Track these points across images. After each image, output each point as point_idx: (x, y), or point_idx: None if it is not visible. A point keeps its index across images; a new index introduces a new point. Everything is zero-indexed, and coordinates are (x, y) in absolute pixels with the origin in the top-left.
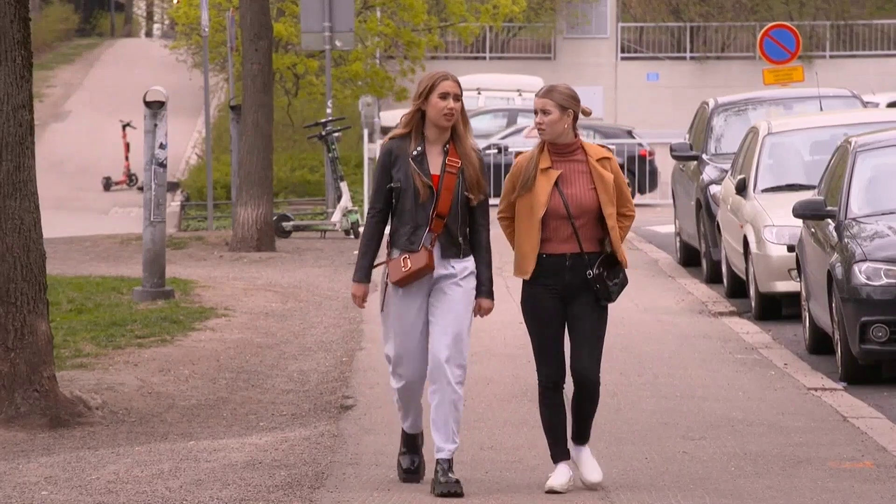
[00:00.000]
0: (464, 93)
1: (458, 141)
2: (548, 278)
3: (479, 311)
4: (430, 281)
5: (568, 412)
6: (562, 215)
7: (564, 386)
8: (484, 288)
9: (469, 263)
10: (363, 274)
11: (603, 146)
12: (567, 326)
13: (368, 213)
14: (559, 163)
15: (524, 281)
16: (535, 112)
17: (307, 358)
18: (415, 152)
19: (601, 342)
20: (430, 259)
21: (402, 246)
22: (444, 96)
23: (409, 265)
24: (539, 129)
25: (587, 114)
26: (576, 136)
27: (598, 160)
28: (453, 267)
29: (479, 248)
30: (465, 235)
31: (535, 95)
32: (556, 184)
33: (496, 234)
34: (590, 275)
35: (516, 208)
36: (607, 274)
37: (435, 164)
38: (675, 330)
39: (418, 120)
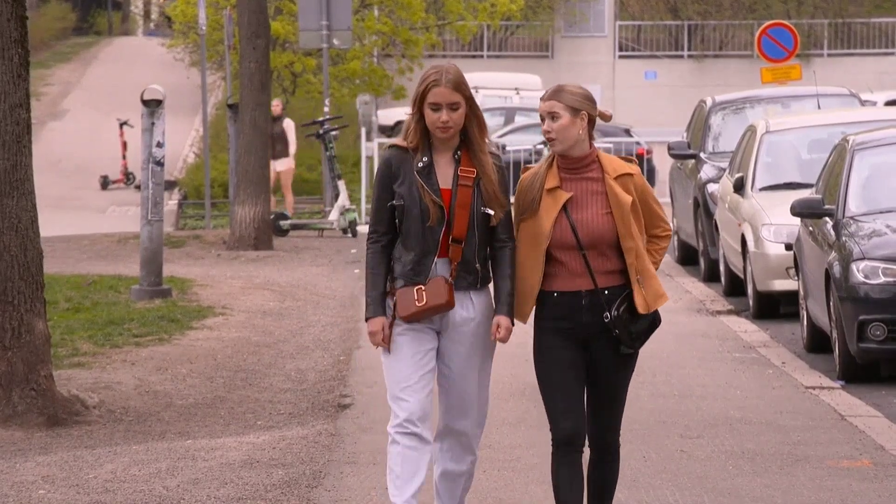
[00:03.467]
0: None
1: (471, 145)
2: (562, 321)
3: (498, 331)
4: (444, 317)
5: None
6: (570, 245)
7: (584, 449)
8: (504, 306)
9: (488, 298)
10: (377, 307)
11: (627, 157)
12: (587, 375)
13: (369, 239)
14: (570, 181)
15: (535, 326)
16: (542, 118)
17: (305, 357)
18: (420, 163)
19: (624, 399)
20: (451, 294)
21: (407, 277)
22: (435, 108)
23: (425, 300)
24: (548, 139)
25: (606, 118)
26: (591, 146)
27: (616, 177)
28: (473, 304)
29: (501, 265)
30: (486, 259)
31: (541, 99)
32: (564, 207)
33: None
34: (607, 318)
35: (519, 235)
36: (631, 315)
37: (445, 176)
38: (672, 329)
39: (423, 129)
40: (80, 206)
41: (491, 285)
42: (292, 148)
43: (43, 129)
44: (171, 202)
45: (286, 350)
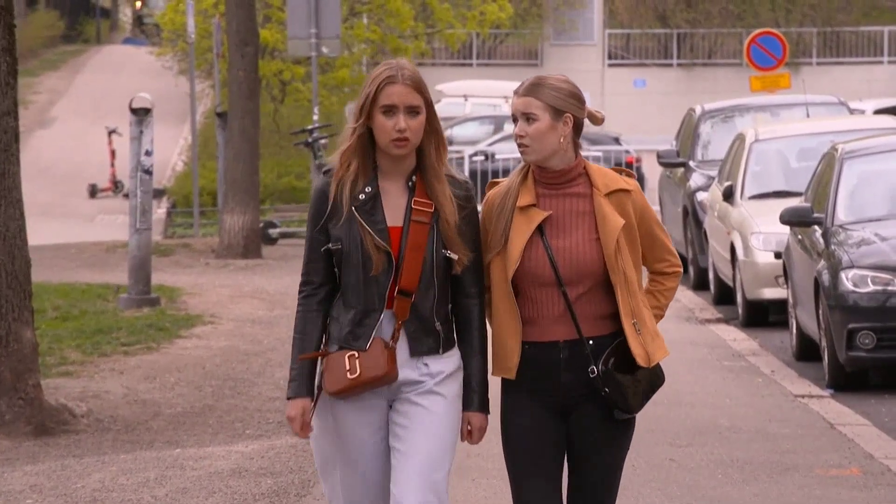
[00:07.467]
0: (449, 98)
1: (427, 171)
2: (536, 381)
3: (470, 432)
4: (393, 388)
5: None
6: (547, 280)
7: None
8: (476, 396)
9: (450, 361)
10: (301, 384)
11: (622, 170)
12: (567, 453)
13: (300, 293)
14: (549, 198)
15: (502, 385)
16: (514, 118)
17: None
18: (362, 195)
19: (616, 487)
20: (392, 363)
21: (344, 341)
22: (388, 111)
23: (359, 371)
24: (520, 146)
25: (597, 121)
26: (577, 156)
27: (608, 194)
28: (426, 366)
29: (468, 333)
30: (447, 317)
31: (515, 92)
32: (540, 231)
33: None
34: (592, 373)
35: (490, 269)
36: (625, 371)
37: (395, 210)
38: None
39: (366, 145)
40: (68, 214)
41: (455, 349)
42: None
43: (31, 137)
44: (159, 210)
45: (275, 359)
